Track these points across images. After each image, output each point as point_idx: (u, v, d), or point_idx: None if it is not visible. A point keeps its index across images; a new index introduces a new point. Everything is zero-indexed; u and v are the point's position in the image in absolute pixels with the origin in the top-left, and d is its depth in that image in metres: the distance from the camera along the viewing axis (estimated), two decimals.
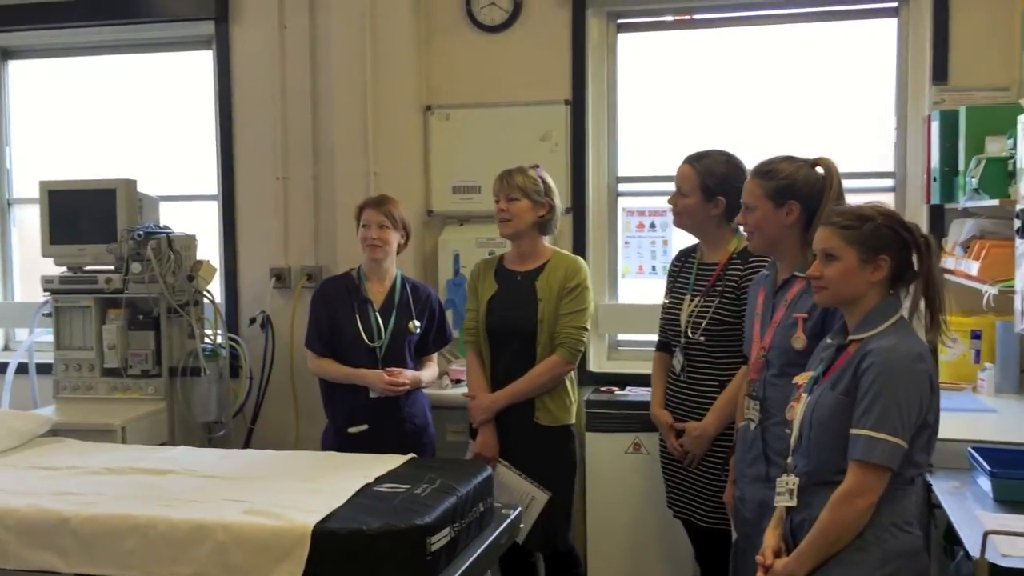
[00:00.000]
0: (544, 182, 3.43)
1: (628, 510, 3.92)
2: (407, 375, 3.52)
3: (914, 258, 2.25)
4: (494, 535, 2.74)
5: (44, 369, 4.41)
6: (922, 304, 2.25)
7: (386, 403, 3.50)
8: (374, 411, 3.50)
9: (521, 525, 3.05)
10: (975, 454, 2.70)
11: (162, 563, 2.38)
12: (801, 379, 2.32)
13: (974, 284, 3.31)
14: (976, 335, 3.72)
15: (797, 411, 2.27)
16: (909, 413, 2.11)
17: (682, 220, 3.15)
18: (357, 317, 3.56)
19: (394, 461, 2.94)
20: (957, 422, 3.12)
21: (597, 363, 4.42)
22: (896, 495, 2.16)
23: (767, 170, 2.70)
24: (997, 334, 3.64)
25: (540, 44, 4.33)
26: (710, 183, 3.07)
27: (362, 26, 4.28)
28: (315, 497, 2.54)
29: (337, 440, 3.54)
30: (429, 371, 3.70)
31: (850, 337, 2.25)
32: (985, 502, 2.57)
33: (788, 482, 2.25)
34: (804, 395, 2.27)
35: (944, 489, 2.69)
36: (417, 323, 3.61)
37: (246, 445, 4.50)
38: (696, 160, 3.12)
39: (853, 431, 2.13)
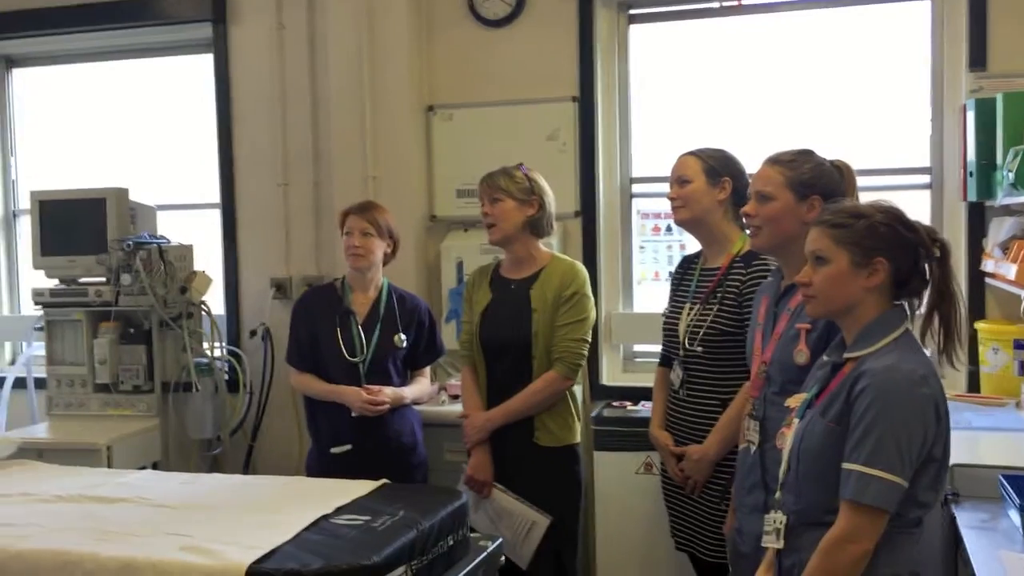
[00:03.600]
0: (530, 180, 3.18)
1: (639, 535, 3.64)
2: (387, 393, 3.30)
3: (926, 265, 1.95)
4: (465, 570, 2.50)
5: (44, 384, 4.29)
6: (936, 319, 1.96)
7: (370, 421, 3.28)
8: (358, 430, 3.29)
9: (502, 556, 2.80)
10: (1005, 483, 2.38)
11: None
12: (794, 402, 2.04)
13: (1014, 289, 2.98)
14: (1020, 344, 3.38)
15: (787, 439, 1.99)
16: (909, 446, 1.81)
17: (686, 212, 2.90)
18: (338, 331, 3.36)
19: (364, 488, 2.71)
20: (994, 443, 2.82)
21: (610, 375, 4.16)
22: (896, 540, 1.86)
23: (790, 159, 2.44)
24: None
25: (546, 38, 4.10)
26: (714, 164, 2.87)
27: (359, 22, 4.11)
28: (262, 531, 2.32)
29: (320, 461, 3.34)
30: (418, 386, 3.48)
31: (845, 355, 1.96)
32: (1015, 539, 2.26)
33: (775, 520, 1.97)
34: (796, 420, 1.99)
35: (969, 522, 2.38)
36: (403, 337, 3.39)
37: (246, 463, 4.35)
38: (694, 150, 2.94)
39: (845, 466, 1.84)
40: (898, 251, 1.93)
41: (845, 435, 1.86)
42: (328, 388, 3.32)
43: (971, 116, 3.40)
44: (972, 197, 3.44)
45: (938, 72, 3.79)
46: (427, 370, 3.56)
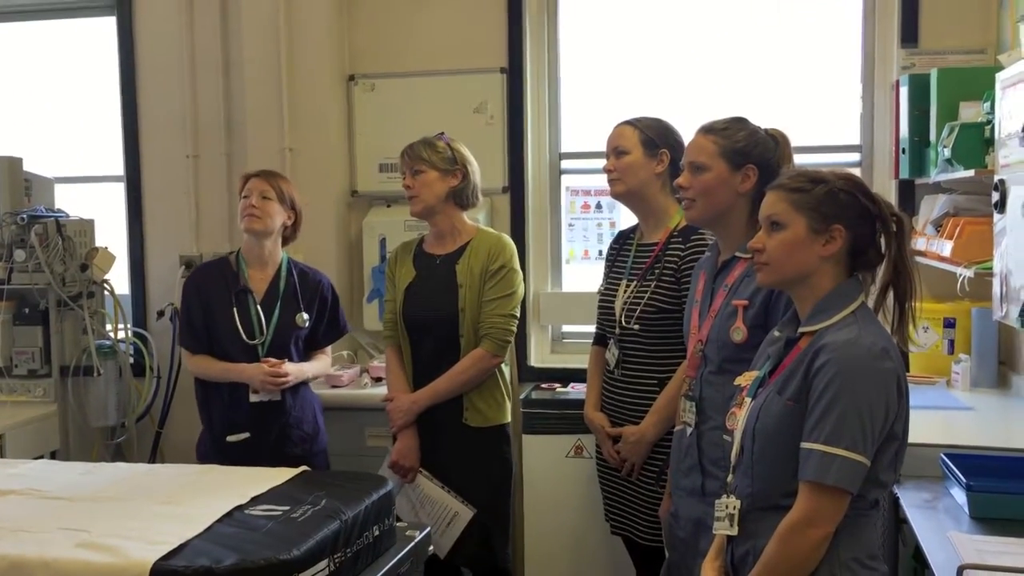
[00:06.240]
0: (453, 149, 3.03)
1: (569, 520, 3.54)
2: (289, 367, 3.08)
3: (881, 239, 1.87)
4: (392, 562, 2.34)
5: None
6: (891, 296, 1.87)
7: (269, 408, 3.08)
8: (256, 416, 3.07)
9: (431, 546, 2.65)
10: (948, 462, 2.33)
11: None
12: (744, 380, 1.92)
13: (947, 267, 2.95)
14: (950, 323, 3.37)
15: (739, 419, 1.88)
16: (872, 423, 1.72)
17: (622, 184, 2.78)
18: (235, 310, 3.12)
19: (282, 476, 2.53)
20: (928, 422, 2.77)
21: (539, 357, 4.04)
22: (857, 523, 1.77)
23: (723, 128, 2.33)
24: (973, 322, 3.30)
25: (474, 5, 3.95)
26: (651, 135, 2.75)
27: None
28: (169, 524, 2.13)
29: (215, 450, 3.11)
30: (319, 363, 3.27)
31: (801, 329, 1.86)
32: (960, 518, 2.21)
33: (728, 505, 1.86)
34: (748, 400, 1.88)
35: (913, 502, 2.32)
36: (305, 316, 3.17)
37: (153, 451, 4.11)
38: (631, 120, 2.81)
39: (804, 445, 1.74)
40: (857, 220, 1.84)
41: (804, 413, 1.76)
42: (225, 367, 3.09)
43: (904, 92, 3.36)
44: (904, 174, 3.41)
45: (869, 48, 3.75)
46: (328, 349, 3.35)
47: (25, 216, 3.68)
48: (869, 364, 1.73)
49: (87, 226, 3.90)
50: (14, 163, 3.82)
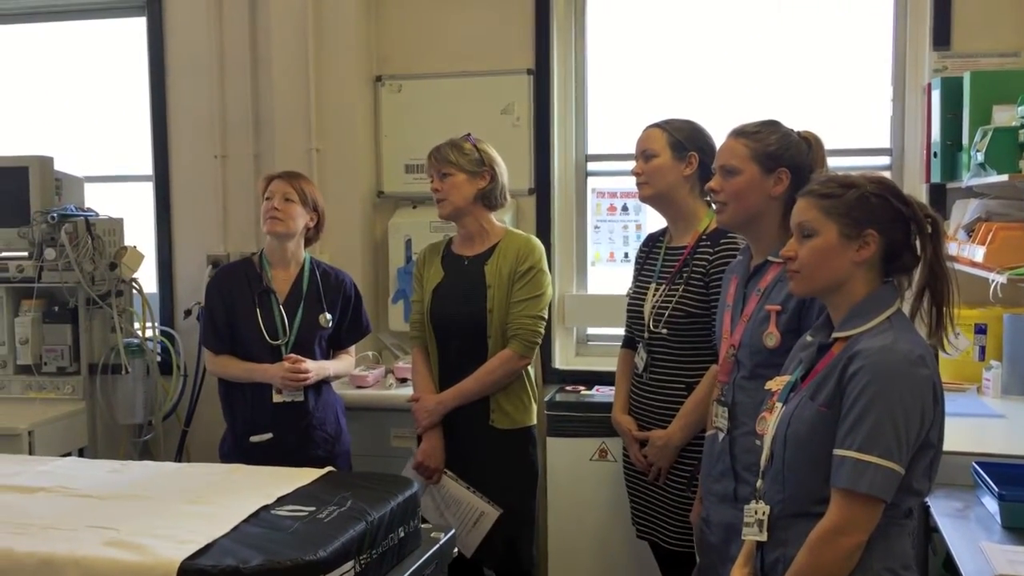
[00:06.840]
0: (480, 151, 3.03)
1: (593, 524, 3.52)
2: (310, 364, 3.08)
3: (916, 241, 1.84)
4: (417, 564, 2.34)
5: None
6: (926, 299, 1.85)
7: (292, 409, 3.08)
8: (278, 417, 3.08)
9: (456, 548, 2.65)
10: (980, 471, 2.31)
11: None
12: (775, 384, 1.91)
13: (980, 272, 2.91)
14: (981, 329, 3.33)
15: (769, 424, 1.86)
16: (907, 430, 1.70)
17: (650, 188, 2.76)
18: (258, 311, 3.12)
19: (307, 476, 2.54)
20: (959, 430, 2.72)
21: (564, 359, 4.03)
22: (890, 532, 1.75)
23: (754, 131, 2.32)
24: (1005, 328, 3.26)
25: (501, 6, 3.95)
26: (680, 138, 2.74)
27: None
28: (197, 523, 2.14)
29: (237, 450, 3.11)
30: (341, 362, 3.27)
31: (835, 334, 1.84)
32: (991, 527, 2.19)
33: (757, 511, 1.84)
34: (778, 405, 1.86)
35: (944, 511, 2.30)
36: (328, 316, 3.17)
37: (179, 449, 4.13)
38: (660, 123, 2.80)
39: (837, 452, 1.72)
40: (890, 224, 1.81)
41: (837, 420, 1.74)
42: (248, 367, 3.10)
43: (936, 95, 3.33)
44: (936, 178, 3.37)
45: (900, 51, 3.72)
46: (352, 349, 3.35)
47: (55, 215, 3.71)
48: (905, 371, 1.71)
49: (116, 225, 3.93)
50: (45, 162, 3.84)
